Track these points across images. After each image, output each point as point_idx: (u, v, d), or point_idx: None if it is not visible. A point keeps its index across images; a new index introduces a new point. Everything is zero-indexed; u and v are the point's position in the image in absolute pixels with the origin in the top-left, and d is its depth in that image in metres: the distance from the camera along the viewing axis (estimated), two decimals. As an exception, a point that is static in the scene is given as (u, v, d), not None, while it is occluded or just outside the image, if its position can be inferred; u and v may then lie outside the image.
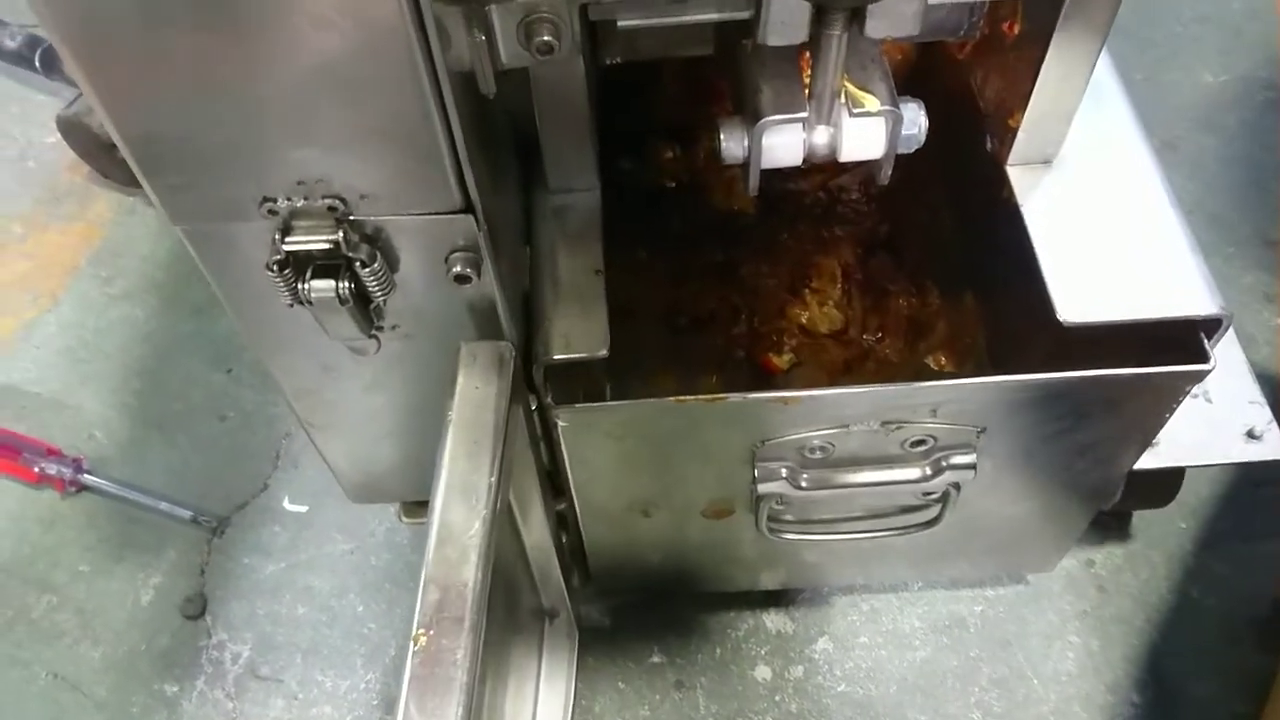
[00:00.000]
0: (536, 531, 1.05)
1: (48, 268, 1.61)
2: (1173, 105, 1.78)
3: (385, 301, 0.75)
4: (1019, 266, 0.89)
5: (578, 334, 0.85)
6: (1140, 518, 1.33)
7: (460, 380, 0.78)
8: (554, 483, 1.02)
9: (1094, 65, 0.85)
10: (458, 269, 0.72)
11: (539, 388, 0.86)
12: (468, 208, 0.70)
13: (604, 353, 0.84)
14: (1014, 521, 1.09)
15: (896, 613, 1.28)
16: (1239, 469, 1.34)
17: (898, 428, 0.91)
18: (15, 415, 1.45)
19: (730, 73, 0.89)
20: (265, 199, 0.67)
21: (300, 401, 0.89)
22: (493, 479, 0.74)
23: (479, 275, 0.73)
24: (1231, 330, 1.03)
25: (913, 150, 0.84)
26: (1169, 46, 1.87)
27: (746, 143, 0.82)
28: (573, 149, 0.90)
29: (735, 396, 0.86)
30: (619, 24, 0.82)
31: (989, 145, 0.95)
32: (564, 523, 1.10)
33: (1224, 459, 1.07)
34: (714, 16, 0.79)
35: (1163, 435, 1.02)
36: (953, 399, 0.87)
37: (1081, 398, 0.88)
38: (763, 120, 0.79)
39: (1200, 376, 0.86)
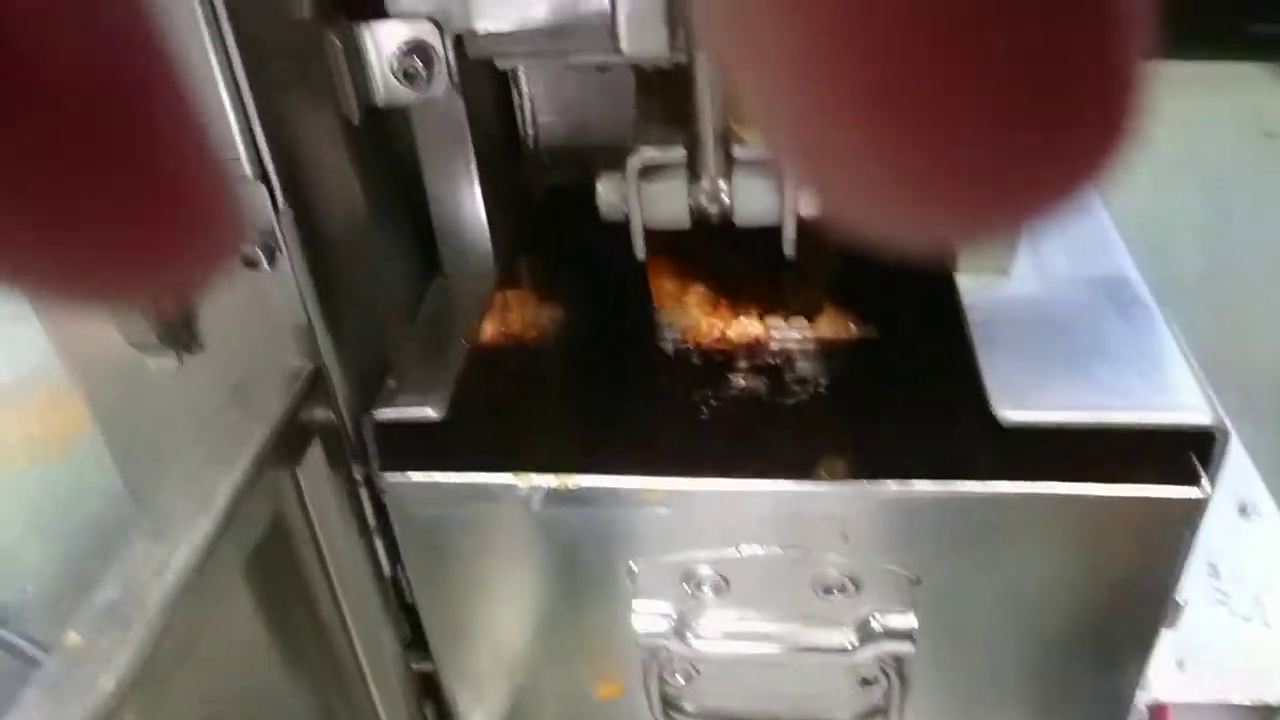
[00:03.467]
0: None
1: (53, 432, 1.62)
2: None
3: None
4: (954, 369, 0.73)
5: (418, 392, 0.74)
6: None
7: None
8: (411, 625, 0.85)
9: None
10: (246, 248, 0.64)
11: (368, 450, 0.73)
12: (260, 176, 0.63)
13: (440, 413, 0.72)
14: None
15: None
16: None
17: (802, 556, 0.72)
18: (-40, 559, 1.39)
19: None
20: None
21: (115, 447, 0.79)
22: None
23: (270, 262, 0.65)
24: None
25: (814, 214, 0.74)
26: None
27: (622, 198, 0.74)
28: (463, 217, 0.84)
29: (586, 479, 0.71)
30: (499, 64, 0.79)
31: (937, 255, 0.83)
32: (431, 690, 0.90)
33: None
34: (595, 57, 0.75)
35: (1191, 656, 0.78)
36: (863, 512, 0.69)
37: (1031, 531, 0.68)
38: (634, 156, 0.72)
39: (1192, 507, 0.66)
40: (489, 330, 0.82)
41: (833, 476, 0.69)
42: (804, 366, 0.81)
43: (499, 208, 0.85)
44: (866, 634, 0.74)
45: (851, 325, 0.84)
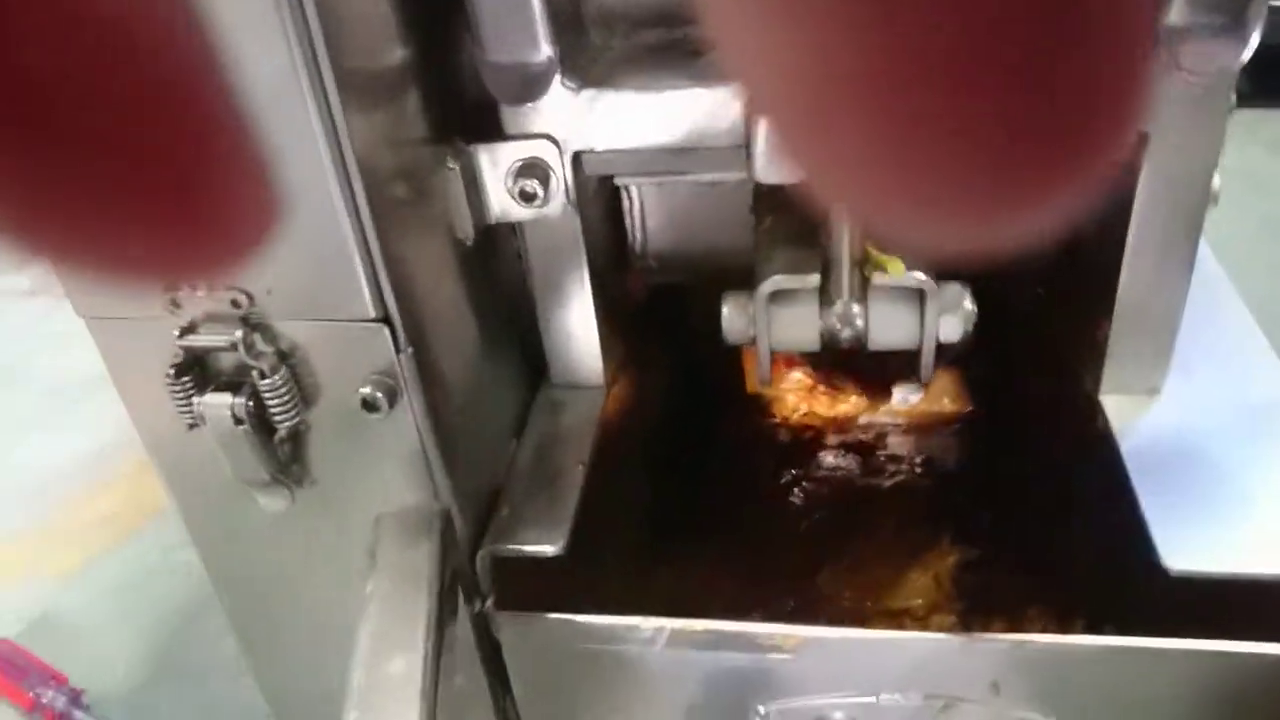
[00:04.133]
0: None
1: (134, 507, 1.61)
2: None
3: (291, 431, 0.64)
4: (1108, 509, 0.68)
5: (535, 525, 0.71)
6: None
7: (379, 553, 0.64)
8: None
9: (1190, 266, 0.70)
10: (366, 390, 0.61)
11: (482, 585, 0.70)
12: (383, 318, 0.60)
13: (559, 548, 0.68)
14: None
15: None
16: None
17: (944, 707, 0.67)
18: (46, 642, 1.39)
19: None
20: (170, 286, 0.61)
21: (218, 581, 0.77)
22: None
23: (391, 405, 0.62)
24: None
25: (958, 339, 0.69)
26: None
27: (752, 315, 0.70)
28: (574, 333, 0.81)
29: (714, 624, 0.66)
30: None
31: (1079, 375, 0.78)
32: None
33: None
34: (717, 175, 0.72)
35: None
36: (1020, 664, 0.64)
37: (1188, 685, 0.63)
38: (765, 282, 0.68)
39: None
40: (601, 456, 0.78)
41: (989, 629, 0.64)
42: (941, 495, 0.76)
43: (608, 318, 0.82)
44: (1012, 789, 0.69)
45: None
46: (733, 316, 0.70)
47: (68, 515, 1.62)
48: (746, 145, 0.63)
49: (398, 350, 0.61)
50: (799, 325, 0.69)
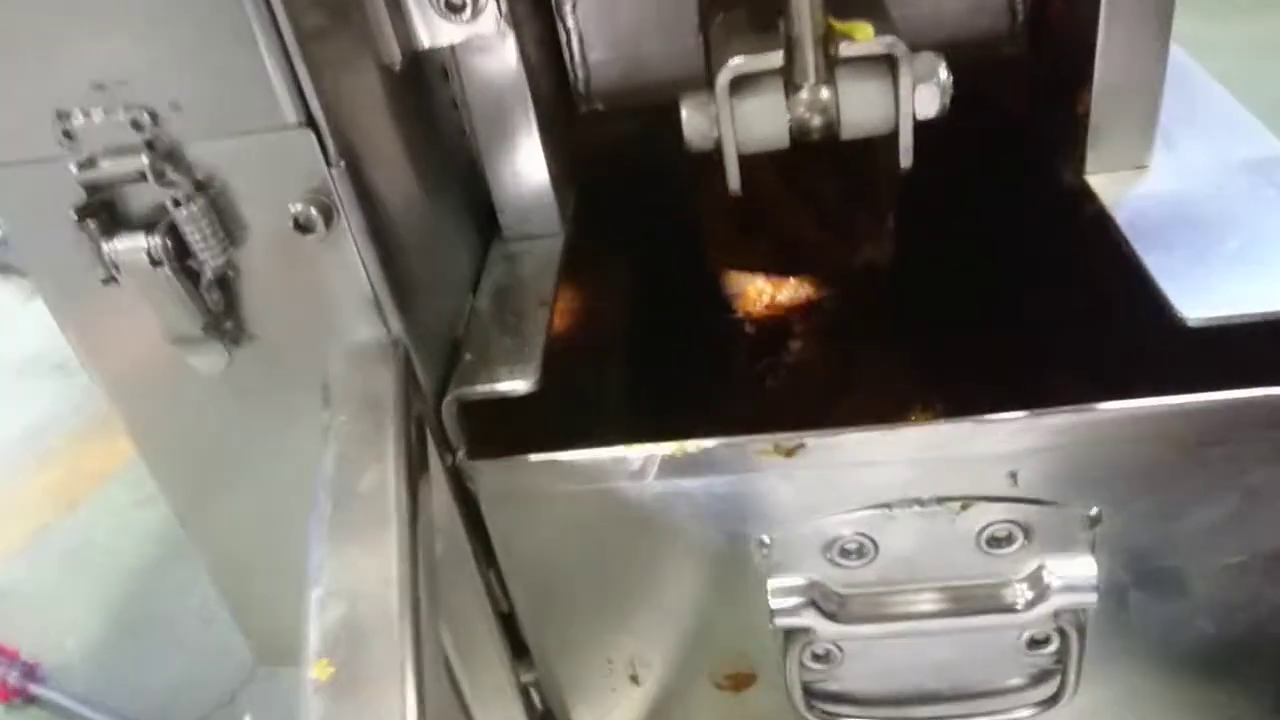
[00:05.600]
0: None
1: (78, 476, 1.53)
2: None
3: (220, 273, 0.58)
4: (1113, 278, 0.64)
5: (501, 365, 0.65)
6: None
7: (332, 388, 0.58)
8: (509, 629, 0.76)
9: (1167, 27, 0.66)
10: (297, 207, 0.55)
11: (451, 435, 0.64)
12: (306, 121, 0.54)
13: (530, 385, 0.63)
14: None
15: None
16: None
17: (963, 507, 0.63)
18: (-3, 619, 1.30)
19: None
20: (60, 114, 0.54)
21: (157, 470, 0.70)
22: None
23: (327, 224, 0.55)
24: None
25: (934, 114, 0.64)
26: None
27: (714, 114, 0.65)
28: (523, 176, 0.74)
29: (707, 443, 0.61)
30: None
31: (1064, 156, 0.74)
32: (533, 708, 0.81)
33: None
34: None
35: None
36: (1038, 446, 0.60)
37: (1229, 444, 0.59)
38: (725, 67, 0.62)
39: None
40: (564, 296, 0.72)
41: (1000, 408, 0.59)
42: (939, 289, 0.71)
43: (558, 160, 0.75)
44: (1040, 587, 0.65)
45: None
46: (693, 117, 0.65)
47: (7, 492, 1.53)
48: (691, -94, 0.57)
49: (329, 163, 0.55)
50: (765, 117, 0.64)
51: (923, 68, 0.63)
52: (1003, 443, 0.60)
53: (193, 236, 0.56)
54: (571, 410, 0.65)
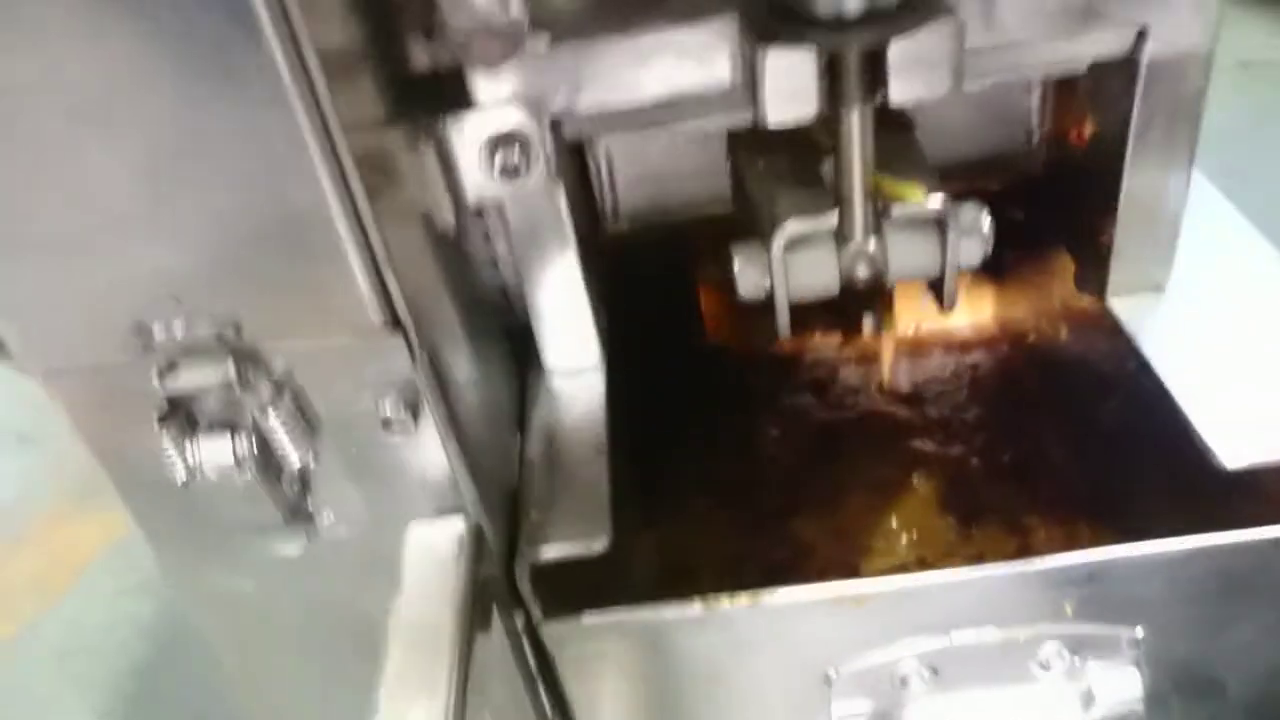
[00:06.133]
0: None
1: (60, 563, 1.49)
2: None
3: (303, 469, 0.58)
4: (1146, 414, 0.68)
5: (570, 524, 0.66)
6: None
7: (406, 576, 0.59)
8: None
9: (1192, 155, 0.69)
10: (387, 410, 0.55)
11: (525, 598, 0.65)
12: (393, 324, 0.54)
13: (603, 544, 0.64)
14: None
15: None
16: None
17: (1022, 638, 0.66)
18: (-10, 728, 1.27)
19: (746, 215, 0.75)
20: (138, 326, 0.53)
21: (232, 660, 0.69)
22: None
23: (416, 420, 0.56)
24: None
25: (979, 262, 0.67)
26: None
27: (768, 267, 0.66)
28: (567, 313, 0.75)
29: (782, 592, 0.63)
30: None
31: (1083, 279, 0.77)
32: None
33: None
34: (707, 121, 0.67)
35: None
36: (1091, 579, 0.63)
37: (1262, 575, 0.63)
38: (783, 228, 0.64)
39: None
40: (618, 438, 0.73)
41: (1058, 547, 0.62)
42: (968, 410, 0.74)
43: (594, 290, 0.76)
44: (1090, 702, 0.68)
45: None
46: (746, 269, 0.66)
47: (-15, 584, 1.49)
48: (751, 86, 0.58)
49: (414, 359, 0.55)
50: (818, 270, 0.66)
51: (968, 220, 0.65)
52: (1057, 579, 0.63)
53: (277, 438, 0.55)
54: (640, 561, 0.66)
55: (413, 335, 0.55)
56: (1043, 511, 0.68)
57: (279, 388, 0.55)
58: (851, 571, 0.64)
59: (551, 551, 0.64)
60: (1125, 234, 0.72)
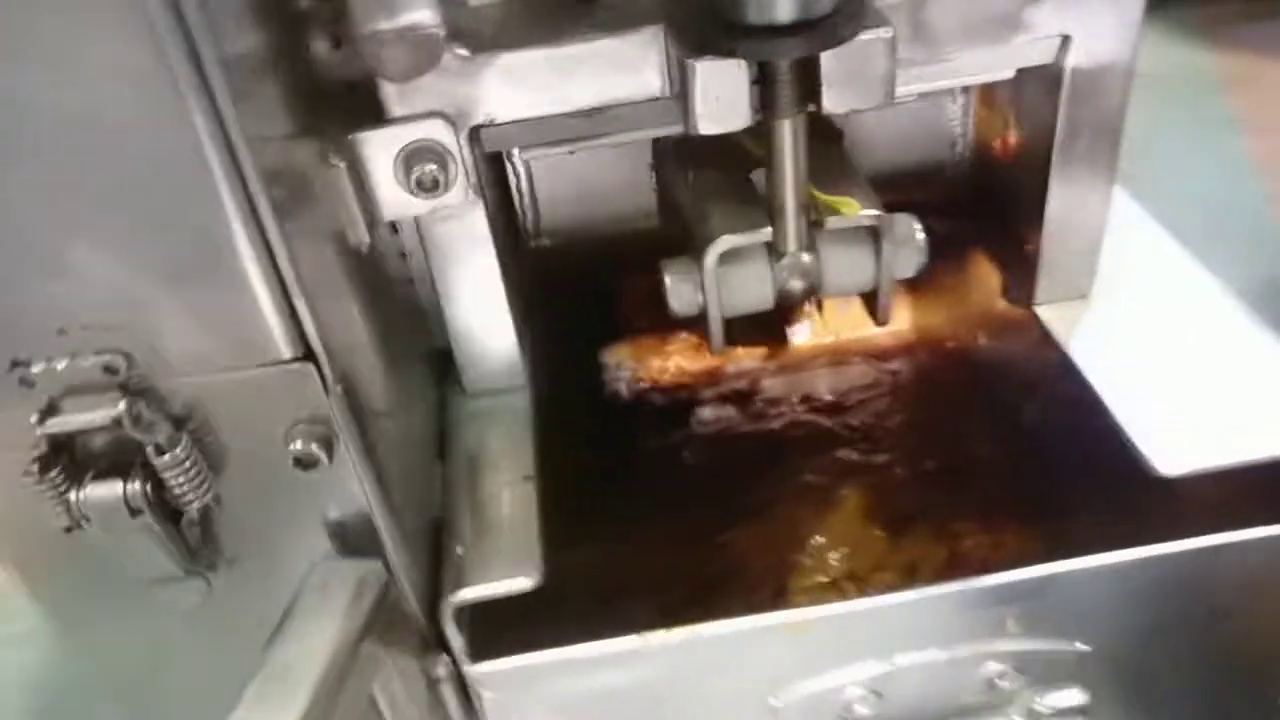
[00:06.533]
0: None
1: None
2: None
3: (203, 513, 0.53)
4: (1081, 422, 0.67)
5: (498, 560, 0.62)
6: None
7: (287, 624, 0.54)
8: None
9: (1114, 165, 0.70)
10: (297, 446, 0.51)
11: (450, 640, 0.61)
12: (305, 355, 0.50)
13: (534, 580, 0.60)
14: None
15: None
16: None
17: (964, 656, 0.65)
18: None
19: (673, 229, 0.73)
20: (15, 363, 0.48)
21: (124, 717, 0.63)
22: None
23: (330, 457, 0.52)
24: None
25: (914, 273, 0.66)
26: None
27: (700, 282, 0.64)
28: (489, 333, 0.72)
29: (720, 623, 0.61)
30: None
31: (1010, 288, 0.77)
32: None
33: None
34: (637, 133, 0.64)
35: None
36: (1036, 594, 0.62)
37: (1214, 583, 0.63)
38: (715, 244, 0.62)
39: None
40: (546, 465, 0.70)
41: (1000, 565, 0.61)
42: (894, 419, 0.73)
43: (517, 308, 0.73)
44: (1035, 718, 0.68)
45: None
46: (678, 287, 0.64)
47: None
48: (683, 97, 0.56)
49: (327, 391, 0.51)
50: (752, 285, 0.64)
51: (902, 231, 0.64)
52: (1007, 595, 0.62)
53: (175, 480, 0.51)
54: (571, 591, 0.63)
55: (326, 366, 0.50)
56: (977, 520, 0.67)
57: (178, 425, 0.50)
58: (781, 589, 0.62)
59: (476, 591, 0.60)
60: (1050, 243, 0.72)
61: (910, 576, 0.67)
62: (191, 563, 0.54)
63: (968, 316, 0.80)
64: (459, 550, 0.63)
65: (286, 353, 0.49)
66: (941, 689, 0.66)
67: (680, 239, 0.68)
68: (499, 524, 0.64)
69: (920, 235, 0.64)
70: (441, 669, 0.62)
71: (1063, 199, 0.70)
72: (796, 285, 0.65)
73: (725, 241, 0.62)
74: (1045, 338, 0.72)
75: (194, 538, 0.54)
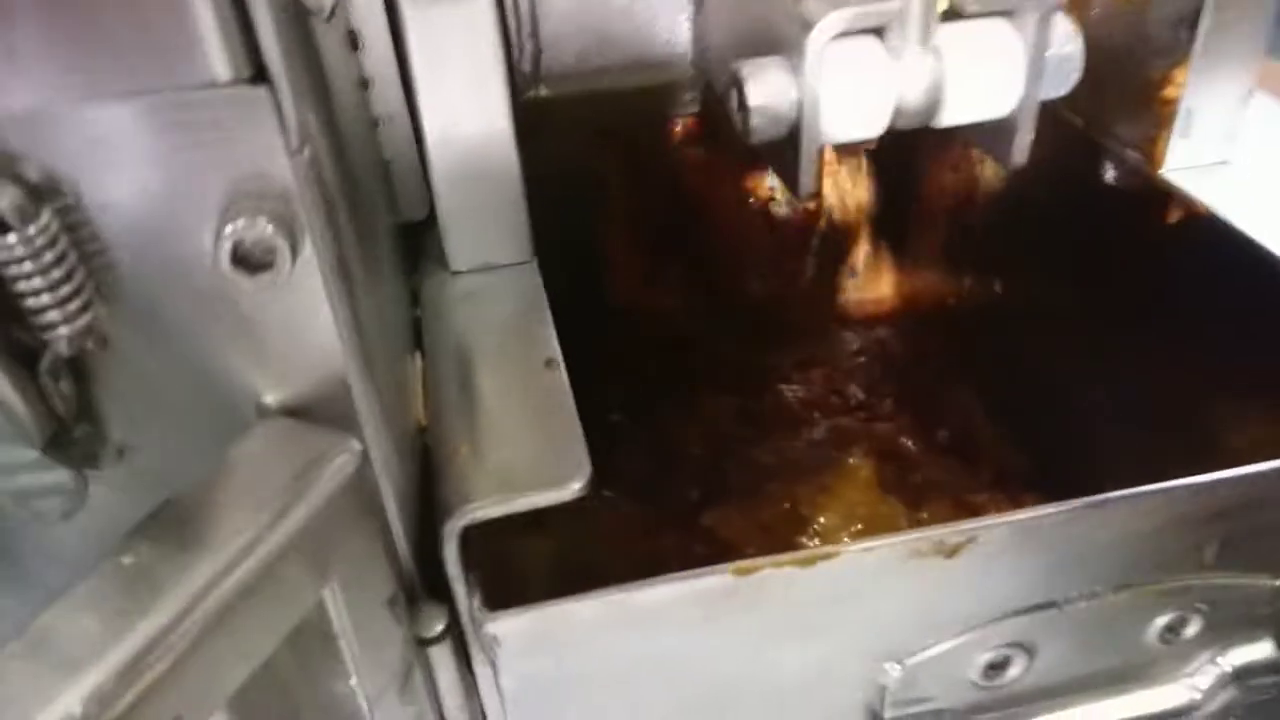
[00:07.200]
0: None
1: None
2: None
3: (75, 358, 0.33)
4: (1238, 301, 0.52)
5: (528, 463, 0.43)
6: None
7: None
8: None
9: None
10: (238, 228, 0.31)
11: (454, 582, 0.42)
12: (257, 75, 0.31)
13: (581, 485, 0.41)
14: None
15: None
16: None
17: (1144, 594, 0.48)
18: None
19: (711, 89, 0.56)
20: None
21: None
22: None
23: (293, 251, 0.32)
24: None
25: (1068, 90, 0.50)
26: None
27: (791, 93, 0.47)
28: (490, 186, 0.53)
29: (840, 549, 0.43)
30: None
31: (1127, 156, 0.62)
32: None
33: None
34: None
35: None
36: (1233, 511, 0.46)
37: None
38: (819, 27, 0.45)
39: None
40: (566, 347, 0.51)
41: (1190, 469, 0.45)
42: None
43: (522, 162, 0.54)
44: (1221, 681, 0.52)
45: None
46: (763, 91, 0.46)
47: None
48: None
49: (289, 150, 0.32)
50: (867, 93, 0.47)
51: (1058, 30, 0.48)
52: (1192, 512, 0.46)
53: (27, 285, 0.30)
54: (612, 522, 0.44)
55: (286, 99, 0.31)
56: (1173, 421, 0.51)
57: (35, 195, 0.30)
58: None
59: (504, 503, 0.41)
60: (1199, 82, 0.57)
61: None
62: (56, 446, 0.34)
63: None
64: (464, 450, 0.43)
65: (224, 71, 0.30)
66: (1107, 646, 0.49)
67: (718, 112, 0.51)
68: (520, 420, 0.45)
69: (1076, 43, 0.49)
70: (438, 624, 0.42)
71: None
72: (914, 99, 0.48)
73: (836, 20, 0.45)
74: (1185, 206, 0.58)
75: (60, 395, 0.33)
